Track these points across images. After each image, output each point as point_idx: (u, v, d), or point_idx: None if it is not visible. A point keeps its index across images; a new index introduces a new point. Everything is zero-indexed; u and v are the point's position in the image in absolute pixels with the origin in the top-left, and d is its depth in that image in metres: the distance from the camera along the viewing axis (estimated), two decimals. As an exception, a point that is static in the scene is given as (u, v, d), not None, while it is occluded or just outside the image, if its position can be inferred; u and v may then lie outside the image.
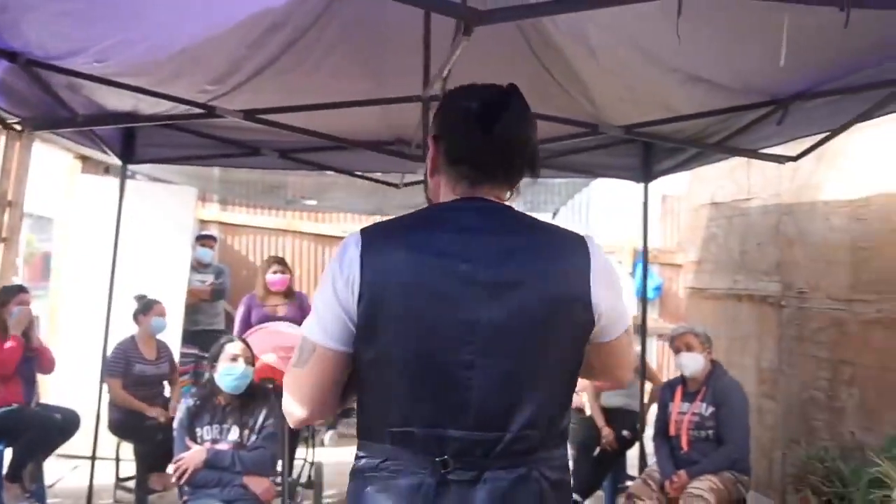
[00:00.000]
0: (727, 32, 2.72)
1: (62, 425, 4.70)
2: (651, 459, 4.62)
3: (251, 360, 3.41)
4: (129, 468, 5.05)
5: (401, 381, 1.29)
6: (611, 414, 5.12)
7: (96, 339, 4.88)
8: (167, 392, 5.26)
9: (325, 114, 3.75)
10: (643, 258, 5.45)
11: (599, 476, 4.97)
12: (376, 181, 4.96)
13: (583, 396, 5.63)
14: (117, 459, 5.06)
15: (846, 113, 2.98)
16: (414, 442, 1.29)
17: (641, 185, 4.95)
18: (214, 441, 3.23)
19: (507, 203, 1.40)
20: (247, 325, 5.31)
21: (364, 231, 1.36)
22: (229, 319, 7.37)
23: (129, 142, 4.31)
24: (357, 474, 1.35)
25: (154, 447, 4.92)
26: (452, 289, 1.28)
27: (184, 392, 5.01)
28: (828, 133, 3.12)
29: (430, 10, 1.42)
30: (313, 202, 6.17)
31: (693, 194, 5.28)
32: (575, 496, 4.76)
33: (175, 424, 3.31)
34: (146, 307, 5.11)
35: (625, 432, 4.96)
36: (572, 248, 1.34)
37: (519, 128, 1.36)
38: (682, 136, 3.97)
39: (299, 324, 5.26)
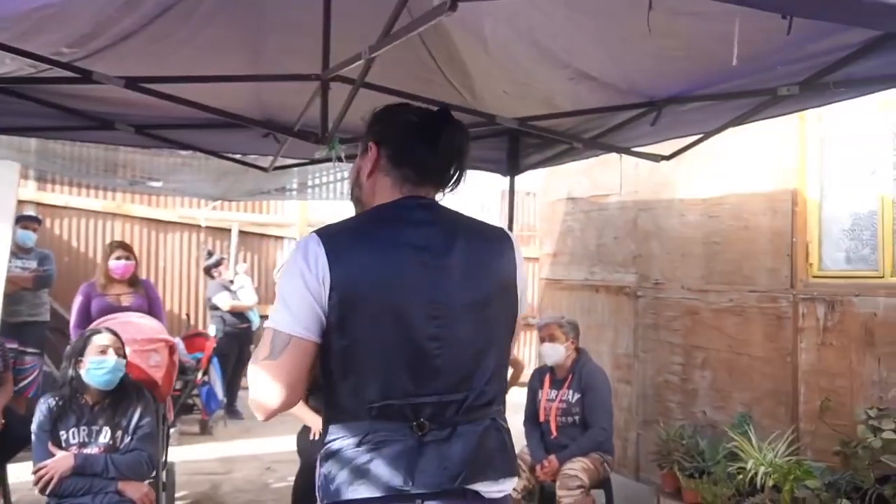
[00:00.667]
0: (620, 30, 2.85)
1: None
2: (521, 443, 4.79)
3: (122, 351, 3.11)
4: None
5: (377, 361, 1.46)
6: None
7: None
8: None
9: (195, 89, 3.50)
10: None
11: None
12: (246, 164, 4.69)
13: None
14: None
15: (717, 118, 3.23)
16: (393, 413, 1.46)
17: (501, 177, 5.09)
18: (83, 445, 2.91)
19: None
20: (86, 316, 4.85)
21: (321, 233, 1.51)
22: (54, 312, 6.70)
23: (-52, 107, 3.76)
24: (334, 455, 1.48)
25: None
26: (415, 276, 1.48)
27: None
28: (701, 135, 3.36)
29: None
30: (159, 184, 5.72)
31: (550, 189, 5.50)
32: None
33: (34, 428, 2.93)
34: None
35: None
36: (502, 240, 1.62)
37: (459, 140, 1.60)
38: (557, 131, 4.11)
39: (146, 313, 4.90)
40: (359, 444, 1.46)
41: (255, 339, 7.76)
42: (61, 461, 2.81)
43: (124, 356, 3.12)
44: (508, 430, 1.59)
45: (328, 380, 1.50)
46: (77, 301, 4.90)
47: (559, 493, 3.68)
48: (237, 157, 4.64)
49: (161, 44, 3.21)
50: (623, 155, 3.89)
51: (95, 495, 2.78)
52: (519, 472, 3.94)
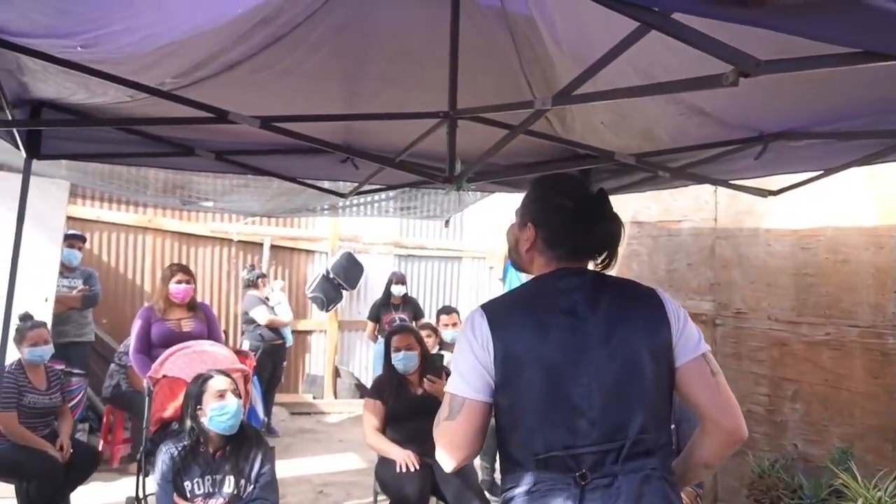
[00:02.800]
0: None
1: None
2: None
3: (238, 391, 3.03)
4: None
5: (537, 417, 1.64)
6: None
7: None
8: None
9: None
10: (507, 262, 5.54)
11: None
12: (326, 191, 4.62)
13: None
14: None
15: (834, 157, 3.20)
16: (556, 464, 1.61)
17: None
18: (208, 496, 2.82)
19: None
20: (146, 341, 4.77)
21: (484, 307, 1.74)
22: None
23: (35, 133, 3.65)
24: (510, 502, 1.67)
25: (45, 487, 4.29)
26: (565, 338, 1.65)
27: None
28: (819, 172, 3.32)
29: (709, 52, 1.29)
30: (209, 203, 5.63)
31: (612, 211, 5.45)
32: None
33: (157, 479, 2.84)
34: (19, 337, 4.44)
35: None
36: (649, 296, 1.76)
37: (614, 231, 1.78)
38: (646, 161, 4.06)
39: (206, 339, 4.81)
40: (528, 493, 1.63)
41: (287, 357, 7.66)
42: None
43: (240, 396, 3.04)
44: (673, 482, 1.69)
45: (501, 434, 1.71)
46: (136, 325, 4.81)
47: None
48: (320, 183, 4.57)
49: (263, 73, 3.14)
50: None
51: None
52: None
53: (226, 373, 3.12)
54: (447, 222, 7.43)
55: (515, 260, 1.89)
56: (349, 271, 8.47)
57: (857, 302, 3.63)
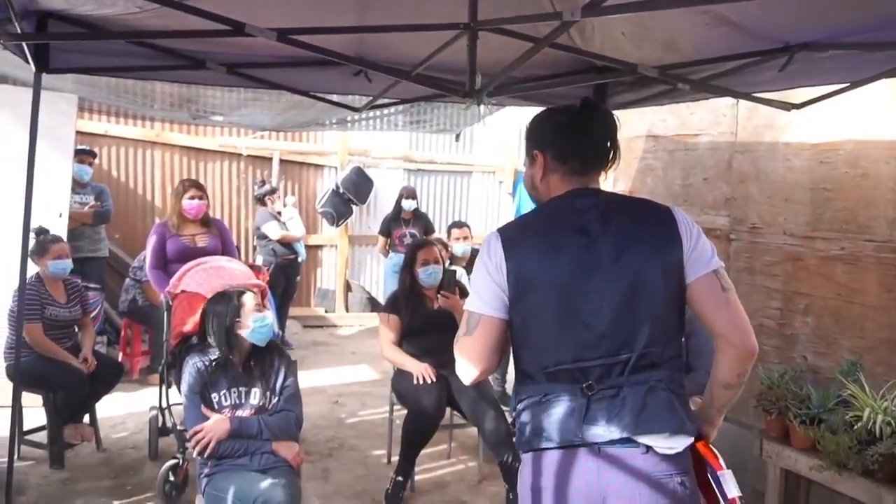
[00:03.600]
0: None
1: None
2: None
3: (266, 304, 3.09)
4: (30, 420, 4.51)
5: (548, 332, 1.73)
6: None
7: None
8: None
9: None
10: (517, 177, 5.52)
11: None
12: (338, 104, 4.54)
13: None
14: (20, 410, 4.46)
15: (862, 68, 3.11)
16: (565, 376, 1.71)
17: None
18: (235, 407, 2.89)
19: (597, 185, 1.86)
20: (162, 256, 4.82)
21: (500, 230, 1.84)
22: (105, 245, 6.62)
23: (43, 46, 3.57)
24: (523, 412, 1.78)
25: (71, 397, 4.42)
26: (576, 257, 1.72)
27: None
28: (846, 85, 3.24)
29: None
30: (220, 118, 5.57)
31: (626, 125, 5.37)
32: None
33: (185, 391, 2.91)
34: (41, 249, 4.48)
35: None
36: (661, 215, 1.79)
37: (609, 126, 1.86)
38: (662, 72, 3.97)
39: (220, 254, 4.84)
40: (539, 403, 1.74)
41: (300, 271, 7.73)
42: (218, 425, 2.81)
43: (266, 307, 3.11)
44: (681, 394, 1.74)
45: (514, 349, 1.81)
46: (151, 241, 4.84)
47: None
48: (332, 97, 4.49)
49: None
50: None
51: (252, 456, 2.79)
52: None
53: (245, 289, 3.16)
54: (458, 136, 7.37)
55: (536, 197, 1.96)
56: (359, 186, 8.44)
57: (874, 216, 3.61)
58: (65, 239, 5.49)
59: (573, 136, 1.83)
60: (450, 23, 2.75)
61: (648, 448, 1.67)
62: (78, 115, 7.45)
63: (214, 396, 2.90)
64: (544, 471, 1.73)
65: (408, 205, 7.33)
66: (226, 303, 2.99)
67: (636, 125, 5.21)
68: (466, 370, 1.81)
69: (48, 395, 4.36)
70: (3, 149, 5.16)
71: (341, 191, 8.33)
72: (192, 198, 4.86)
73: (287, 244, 7.19)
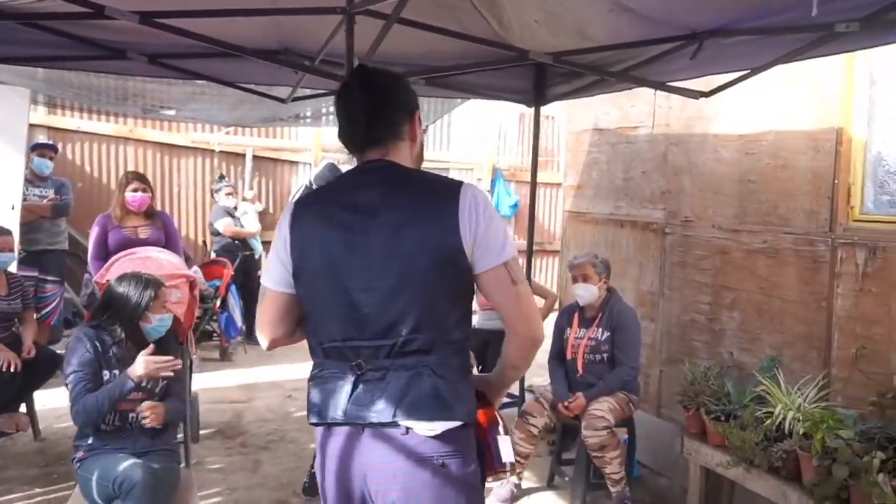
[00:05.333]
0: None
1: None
2: (539, 380, 4.80)
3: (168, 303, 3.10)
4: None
5: (321, 309, 1.72)
6: (489, 336, 5.24)
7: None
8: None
9: (210, 19, 3.33)
10: (534, 179, 5.48)
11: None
12: (262, 94, 4.53)
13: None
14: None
15: (765, 53, 3.05)
16: (337, 353, 1.70)
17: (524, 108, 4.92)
18: None
19: (389, 159, 1.75)
20: (103, 248, 4.82)
21: (297, 202, 1.81)
22: (72, 239, 6.68)
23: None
24: (310, 381, 1.78)
25: (3, 387, 4.43)
26: (350, 236, 1.68)
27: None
28: (746, 72, 3.18)
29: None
30: (172, 112, 5.57)
31: (574, 119, 5.32)
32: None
33: (74, 365, 2.85)
34: None
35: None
36: (444, 196, 1.67)
37: (360, 97, 1.73)
38: (585, 62, 3.93)
39: (162, 246, 4.85)
40: (314, 378, 1.75)
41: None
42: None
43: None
44: (453, 379, 1.67)
45: (303, 322, 1.81)
46: (94, 232, 4.85)
47: (584, 433, 3.69)
48: (252, 87, 4.48)
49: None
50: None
51: (129, 440, 2.78)
52: (541, 409, 3.96)
53: (164, 284, 3.15)
54: (424, 131, 7.31)
55: None
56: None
57: (792, 208, 3.53)
58: (16, 231, 5.56)
59: (340, 112, 1.79)
60: (326, 6, 2.73)
61: (409, 429, 1.64)
62: (50, 111, 7.60)
63: (105, 373, 2.89)
64: (320, 447, 1.75)
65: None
66: (140, 290, 2.96)
67: (583, 119, 5.16)
68: (259, 337, 1.85)
69: (-21, 384, 4.37)
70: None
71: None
72: (134, 190, 4.86)
73: (242, 240, 7.20)
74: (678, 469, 4.05)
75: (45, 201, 6.08)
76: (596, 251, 4.91)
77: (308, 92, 4.57)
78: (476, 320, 5.51)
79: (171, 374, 2.89)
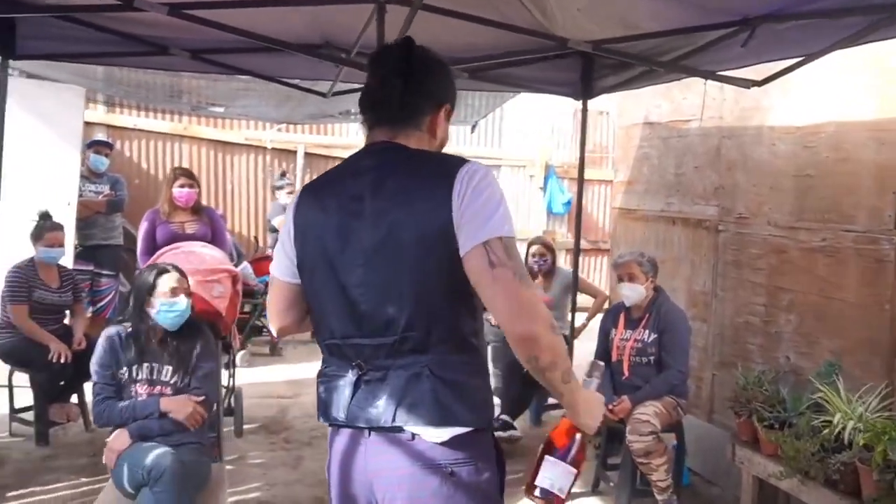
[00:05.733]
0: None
1: None
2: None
3: (189, 291, 3.06)
4: (25, 398, 4.65)
5: (320, 304, 1.63)
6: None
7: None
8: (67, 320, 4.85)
9: (248, 13, 3.31)
10: (581, 175, 5.34)
11: (527, 396, 4.99)
12: (304, 89, 4.52)
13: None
14: (10, 388, 4.64)
15: (822, 38, 2.86)
16: (337, 351, 1.61)
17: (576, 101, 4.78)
18: (150, 382, 2.91)
19: (399, 141, 1.60)
20: (151, 243, 4.88)
21: (304, 187, 1.71)
22: (128, 234, 6.81)
23: (8, 34, 3.67)
24: (317, 378, 1.69)
25: (55, 378, 4.54)
26: (347, 225, 1.56)
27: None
28: (801, 58, 2.99)
29: None
30: (221, 109, 5.62)
31: (625, 113, 5.15)
32: (504, 417, 4.76)
33: (93, 364, 2.93)
34: (37, 234, 4.60)
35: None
36: (438, 178, 1.51)
37: (396, 71, 1.58)
38: (633, 52, 3.78)
39: (209, 242, 4.88)
40: (321, 375, 1.67)
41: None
42: (117, 440, 2.83)
43: (190, 295, 3.08)
44: (453, 381, 1.52)
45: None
46: (142, 228, 4.92)
47: (629, 437, 3.54)
48: (295, 82, 4.46)
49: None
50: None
51: (161, 437, 2.79)
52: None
53: (181, 271, 3.15)
54: (474, 127, 7.24)
55: None
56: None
57: (854, 205, 3.31)
58: (71, 226, 5.70)
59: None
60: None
61: (415, 435, 1.52)
62: (108, 109, 7.80)
63: (125, 369, 2.91)
64: (329, 446, 1.67)
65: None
66: (145, 276, 3.00)
67: (633, 112, 4.99)
68: (271, 325, 1.81)
69: (32, 374, 4.49)
70: (13, 138, 5.34)
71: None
72: (181, 186, 4.91)
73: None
74: (731, 478, 3.86)
75: (100, 197, 6.21)
76: (646, 249, 4.74)
77: (348, 86, 4.53)
78: None
79: (190, 423, 2.87)
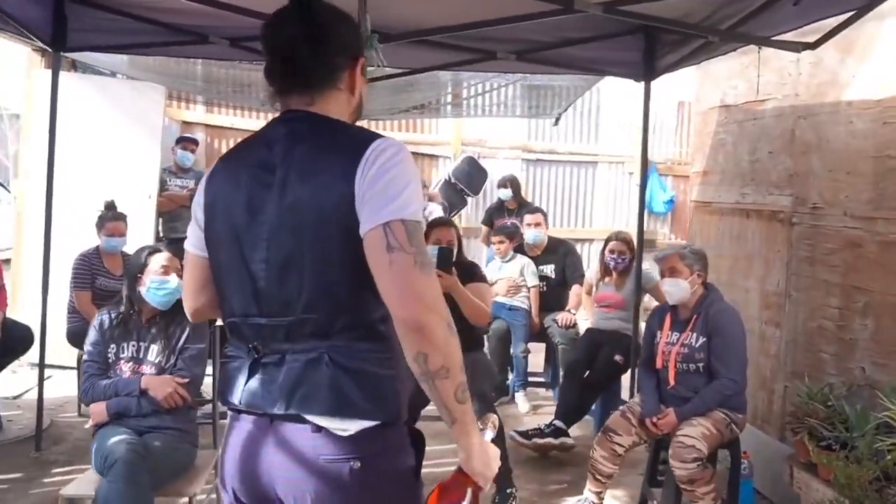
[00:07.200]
0: None
1: (10, 343, 4.45)
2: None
3: (181, 272, 3.04)
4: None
5: (224, 279, 1.52)
6: (603, 337, 4.76)
7: (63, 247, 4.59)
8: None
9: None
10: (645, 168, 4.98)
11: (586, 402, 4.65)
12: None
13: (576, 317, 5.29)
14: (79, 370, 4.83)
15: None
16: (236, 331, 1.52)
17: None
18: (135, 361, 2.90)
19: (316, 110, 1.49)
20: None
21: (219, 158, 1.61)
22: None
23: (60, 26, 3.82)
24: (220, 359, 1.67)
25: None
26: (251, 198, 1.46)
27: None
28: (853, 12, 2.55)
29: None
30: (291, 104, 5.63)
31: (702, 97, 4.69)
32: (558, 423, 4.44)
33: (87, 345, 2.97)
34: (99, 224, 4.78)
35: (617, 357, 4.61)
36: (355, 148, 1.39)
37: (291, 27, 1.46)
38: (686, 22, 3.40)
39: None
40: (223, 356, 1.58)
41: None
42: (95, 412, 2.85)
43: (181, 276, 3.05)
44: (357, 371, 1.39)
45: None
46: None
47: (672, 462, 3.14)
48: None
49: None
50: (762, 48, 3.11)
51: (138, 419, 2.76)
52: (627, 426, 3.46)
53: (174, 252, 3.13)
54: (557, 120, 6.93)
55: None
56: (472, 177, 8.22)
57: (938, 189, 2.79)
58: (152, 219, 5.93)
59: (266, 45, 1.52)
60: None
61: (320, 428, 1.39)
62: (207, 109, 8.10)
63: (113, 347, 2.90)
64: (226, 432, 1.56)
65: (503, 194, 7.00)
66: (137, 256, 2.99)
67: (710, 96, 4.54)
68: (185, 306, 1.68)
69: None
70: (97, 133, 5.62)
71: (453, 181, 8.17)
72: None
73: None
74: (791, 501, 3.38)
75: (185, 192, 6.43)
76: (721, 246, 4.31)
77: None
78: (592, 319, 5.06)
79: (166, 403, 2.82)
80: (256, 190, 1.45)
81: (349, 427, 1.39)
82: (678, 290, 3.36)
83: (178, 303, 3.00)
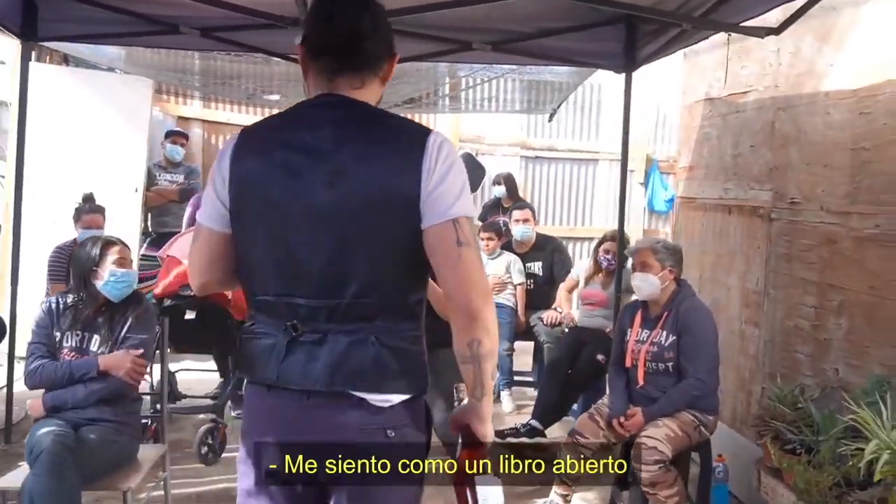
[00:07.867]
0: None
1: None
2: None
3: (132, 263, 3.03)
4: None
5: (256, 258, 1.54)
6: (587, 335, 4.66)
7: (46, 239, 4.58)
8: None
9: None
10: (625, 164, 4.88)
11: (567, 402, 4.55)
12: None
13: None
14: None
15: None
16: (270, 309, 1.53)
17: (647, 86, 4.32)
18: (78, 350, 2.85)
19: (358, 95, 1.53)
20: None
21: (243, 130, 1.60)
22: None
23: (30, 16, 3.79)
24: (242, 335, 1.60)
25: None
26: (296, 180, 1.48)
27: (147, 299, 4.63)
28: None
29: None
30: (276, 97, 5.58)
31: (688, 89, 4.57)
32: (534, 422, 4.35)
33: (32, 325, 2.90)
34: (76, 216, 4.73)
35: (599, 356, 4.50)
36: (405, 144, 1.48)
37: (353, 11, 1.51)
38: (661, 10, 3.30)
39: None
40: (247, 333, 1.58)
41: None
42: (33, 408, 2.81)
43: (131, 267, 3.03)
44: (397, 349, 1.51)
45: (238, 269, 1.61)
46: (187, 213, 4.97)
47: (634, 464, 3.04)
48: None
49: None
50: (731, 35, 2.99)
51: (75, 411, 2.71)
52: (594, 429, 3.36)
53: (126, 244, 3.08)
54: (551, 116, 6.82)
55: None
56: (469, 173, 8.08)
57: (911, 182, 2.66)
58: (138, 213, 5.90)
59: (317, 21, 1.54)
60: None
61: (362, 399, 1.49)
62: (204, 104, 8.07)
63: (57, 334, 2.86)
64: (249, 409, 1.61)
65: (498, 191, 6.91)
66: (90, 248, 2.93)
67: (697, 88, 4.43)
68: (190, 280, 1.70)
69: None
70: (80, 125, 5.60)
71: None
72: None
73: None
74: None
75: (173, 186, 6.40)
76: (705, 242, 4.20)
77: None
78: (576, 316, 4.97)
79: (129, 378, 2.78)
80: (298, 172, 1.48)
81: (391, 399, 1.50)
82: (647, 285, 3.25)
83: (129, 295, 2.97)
